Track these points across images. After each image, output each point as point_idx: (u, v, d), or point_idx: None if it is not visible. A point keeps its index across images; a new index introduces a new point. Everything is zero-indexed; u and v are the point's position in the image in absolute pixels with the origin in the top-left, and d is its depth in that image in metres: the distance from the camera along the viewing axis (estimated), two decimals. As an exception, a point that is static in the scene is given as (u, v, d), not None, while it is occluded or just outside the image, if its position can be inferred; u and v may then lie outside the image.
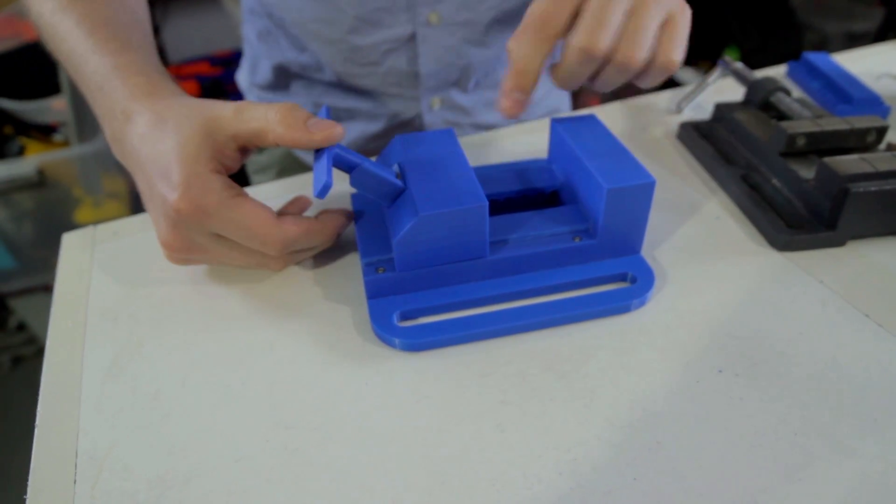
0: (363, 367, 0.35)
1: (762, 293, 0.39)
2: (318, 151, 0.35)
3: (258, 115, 0.36)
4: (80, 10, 0.42)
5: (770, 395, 0.33)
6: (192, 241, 0.36)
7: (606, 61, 0.37)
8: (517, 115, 0.38)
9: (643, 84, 0.40)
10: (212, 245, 0.37)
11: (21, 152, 1.32)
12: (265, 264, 0.39)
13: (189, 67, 1.74)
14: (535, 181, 0.44)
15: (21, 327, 1.47)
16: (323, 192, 0.33)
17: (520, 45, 0.36)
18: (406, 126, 0.69)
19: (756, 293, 0.39)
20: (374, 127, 0.68)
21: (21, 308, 1.43)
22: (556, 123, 0.43)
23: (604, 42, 0.35)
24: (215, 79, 1.66)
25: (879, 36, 1.58)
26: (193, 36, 1.78)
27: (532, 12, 0.36)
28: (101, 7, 0.43)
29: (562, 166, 0.43)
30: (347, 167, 0.36)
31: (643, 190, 0.37)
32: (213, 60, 1.74)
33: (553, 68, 0.38)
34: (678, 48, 0.38)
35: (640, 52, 0.36)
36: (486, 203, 0.35)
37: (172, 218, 0.35)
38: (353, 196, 0.44)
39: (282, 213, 0.38)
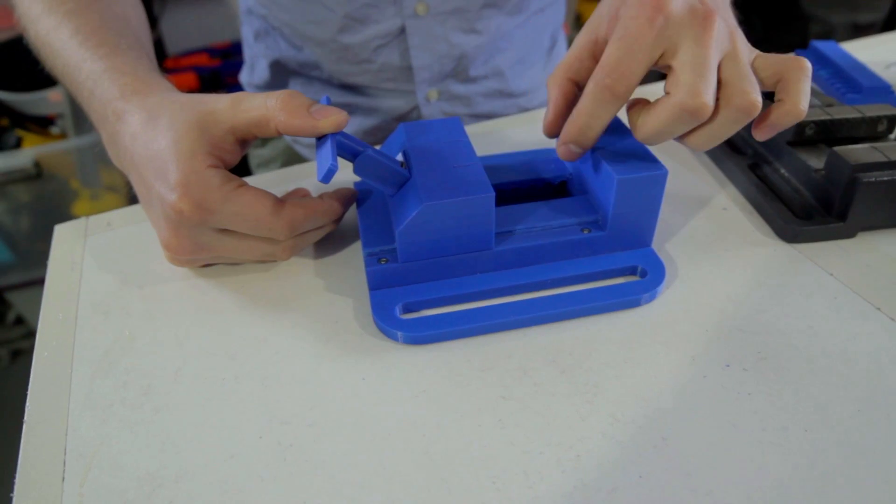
0: (361, 361, 0.34)
1: (771, 286, 0.38)
2: (321, 138, 0.34)
3: (257, 103, 0.35)
4: (72, 24, 0.41)
5: (779, 390, 0.32)
6: (196, 241, 0.36)
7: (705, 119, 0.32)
8: (572, 161, 0.37)
9: (761, 135, 0.35)
10: (218, 242, 0.36)
11: (18, 144, 1.31)
12: (273, 254, 0.38)
13: (187, 59, 1.73)
14: (544, 171, 0.43)
15: (19, 321, 1.46)
16: (328, 176, 0.32)
17: (586, 100, 0.33)
18: (403, 119, 0.68)
19: (764, 286, 0.38)
20: (371, 121, 0.67)
21: (19, 301, 1.42)
22: None
23: (709, 98, 0.31)
24: (214, 70, 1.64)
25: (887, 27, 1.56)
26: (192, 28, 1.77)
27: (604, 63, 0.32)
28: (91, 19, 0.42)
29: None
30: (351, 154, 0.35)
31: (655, 181, 0.36)
32: (212, 52, 1.73)
33: (637, 124, 0.34)
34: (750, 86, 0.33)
35: (757, 93, 0.32)
36: (493, 193, 0.34)
37: (174, 220, 0.34)
38: (357, 185, 0.43)
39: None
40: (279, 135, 0.35)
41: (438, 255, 0.36)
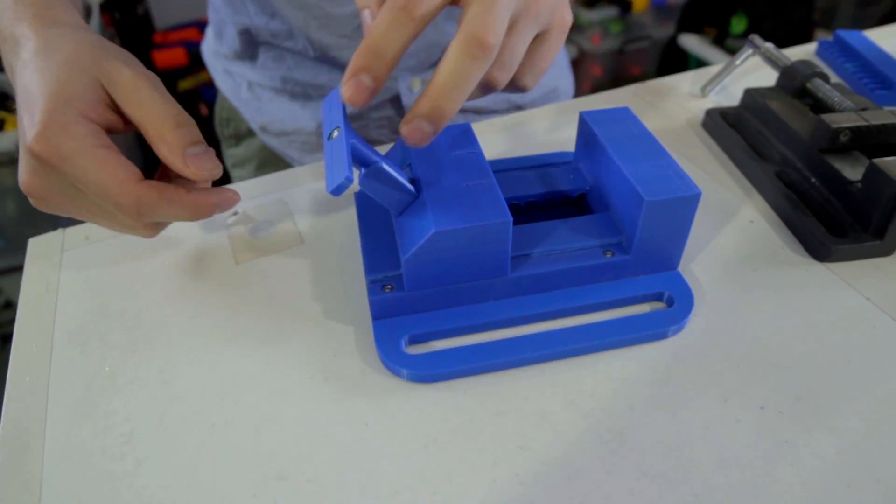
0: (364, 403, 0.31)
1: (804, 312, 0.35)
2: (334, 139, 0.30)
3: (153, 116, 0.32)
4: None
5: (818, 437, 0.29)
6: (49, 187, 0.32)
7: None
8: (360, 102, 0.29)
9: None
10: (71, 197, 0.32)
11: (1, 127, 1.26)
12: (132, 228, 0.34)
13: (176, 34, 1.67)
14: (561, 183, 0.39)
15: (8, 305, 1.43)
16: (339, 189, 0.28)
17: (380, 20, 0.29)
18: (382, 108, 0.63)
19: (797, 312, 0.35)
20: (348, 106, 0.62)
21: (8, 286, 1.39)
22: (586, 117, 0.38)
23: (497, 37, 0.28)
24: (203, 46, 1.58)
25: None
26: (181, 1, 1.70)
27: None
28: None
29: (591, 167, 0.39)
30: (361, 163, 0.31)
31: (687, 203, 0.33)
32: (202, 26, 1.67)
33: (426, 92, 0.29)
34: (536, 73, 0.34)
35: (506, 76, 0.32)
36: (511, 219, 0.31)
37: (29, 161, 0.31)
38: (357, 196, 0.39)
39: (164, 177, 0.34)
40: None
41: (449, 283, 0.33)
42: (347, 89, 0.29)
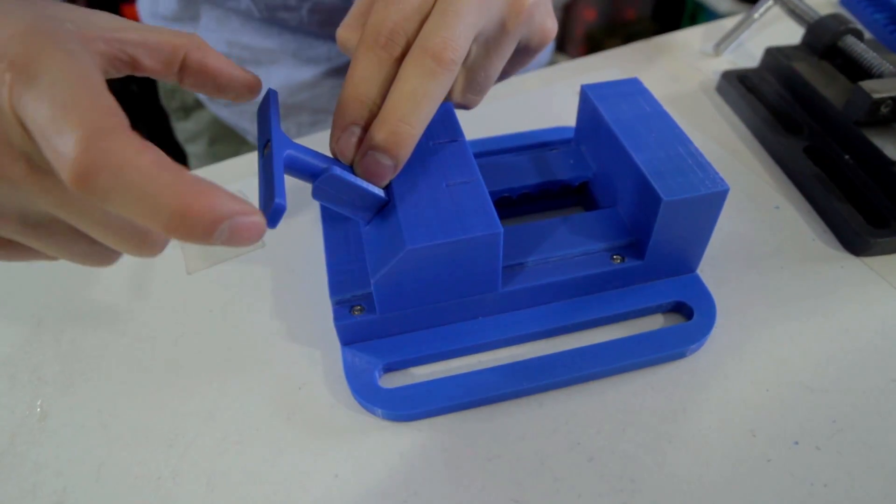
0: (333, 449, 0.27)
1: (840, 321, 0.31)
2: (264, 156, 0.24)
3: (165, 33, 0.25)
4: None
5: (863, 478, 0.25)
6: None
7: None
8: (353, 157, 0.26)
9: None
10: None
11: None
12: (143, 240, 0.21)
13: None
14: (560, 170, 0.34)
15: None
16: (274, 218, 0.22)
17: (358, 65, 0.25)
18: (342, 73, 0.55)
19: (833, 321, 0.31)
20: (302, 74, 0.54)
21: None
22: (589, 91, 0.33)
23: (456, 52, 0.24)
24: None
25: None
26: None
27: (373, 23, 0.25)
28: None
29: (595, 151, 0.34)
30: (309, 174, 0.25)
31: (711, 201, 0.27)
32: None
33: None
34: (498, 81, 0.31)
35: (480, 98, 0.30)
36: (501, 230, 0.26)
37: None
38: (322, 205, 0.34)
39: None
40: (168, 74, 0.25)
41: (428, 302, 0.28)
42: (338, 144, 0.26)
